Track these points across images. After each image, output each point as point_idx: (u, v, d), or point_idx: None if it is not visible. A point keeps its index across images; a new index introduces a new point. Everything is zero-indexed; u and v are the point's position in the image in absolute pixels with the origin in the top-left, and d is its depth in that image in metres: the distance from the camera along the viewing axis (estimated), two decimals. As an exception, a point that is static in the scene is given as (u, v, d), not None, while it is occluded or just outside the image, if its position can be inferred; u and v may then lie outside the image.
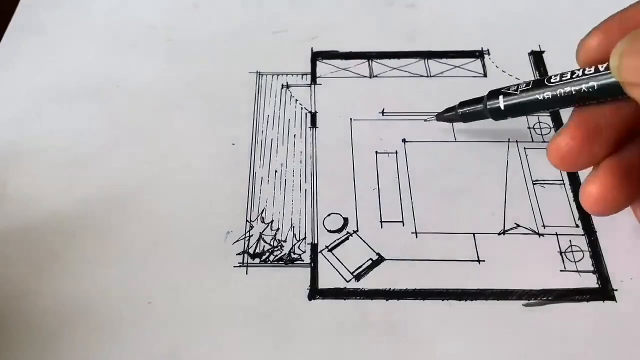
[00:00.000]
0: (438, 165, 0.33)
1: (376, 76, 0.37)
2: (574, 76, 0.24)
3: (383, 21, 0.40)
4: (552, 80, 0.25)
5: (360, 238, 0.30)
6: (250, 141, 0.34)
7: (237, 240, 0.30)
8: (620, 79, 0.21)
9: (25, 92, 0.37)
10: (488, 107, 0.29)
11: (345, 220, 0.31)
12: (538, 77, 0.28)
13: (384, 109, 0.35)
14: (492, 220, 0.30)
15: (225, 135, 0.35)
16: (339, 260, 0.30)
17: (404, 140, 0.34)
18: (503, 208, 0.31)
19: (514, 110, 0.28)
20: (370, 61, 0.38)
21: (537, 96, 0.26)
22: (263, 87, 0.37)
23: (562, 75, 0.25)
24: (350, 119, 0.35)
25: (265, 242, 0.30)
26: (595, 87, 0.23)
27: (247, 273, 0.29)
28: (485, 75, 0.37)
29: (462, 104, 0.31)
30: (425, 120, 0.33)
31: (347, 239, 0.30)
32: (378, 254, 0.30)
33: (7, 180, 0.33)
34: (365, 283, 0.29)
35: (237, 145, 0.34)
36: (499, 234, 0.30)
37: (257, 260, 0.30)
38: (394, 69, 0.37)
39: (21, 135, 0.35)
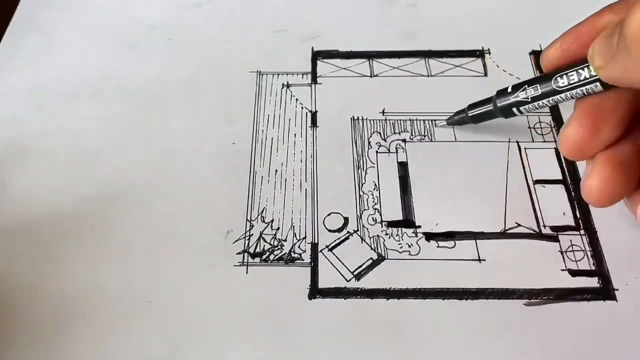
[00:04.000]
0: (438, 165, 0.33)
1: (377, 75, 0.37)
2: (575, 74, 0.26)
3: (383, 20, 0.40)
4: (559, 83, 0.26)
5: (361, 238, 0.30)
6: (250, 140, 0.34)
7: (238, 240, 0.30)
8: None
9: (26, 92, 0.37)
10: (498, 105, 0.30)
11: (346, 219, 0.31)
12: (539, 75, 0.28)
13: (384, 109, 0.35)
14: (493, 220, 0.30)
15: (225, 134, 0.34)
16: (339, 260, 0.30)
17: (404, 140, 0.34)
18: (504, 208, 0.31)
19: (525, 107, 0.29)
20: (370, 60, 0.38)
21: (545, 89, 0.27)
22: (263, 86, 0.37)
23: (566, 75, 0.26)
24: (351, 118, 0.35)
25: (265, 241, 0.30)
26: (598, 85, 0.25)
27: (247, 272, 0.29)
28: (485, 74, 0.37)
29: (471, 106, 0.32)
30: (436, 125, 0.34)
31: (347, 238, 0.30)
32: (378, 253, 0.30)
33: (7, 180, 0.33)
34: (366, 282, 0.29)
35: (238, 144, 0.34)
36: (500, 233, 0.30)
37: (257, 259, 0.30)
38: (394, 68, 0.37)
39: (21, 134, 0.35)
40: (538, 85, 0.27)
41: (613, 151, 0.25)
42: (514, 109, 0.29)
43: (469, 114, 0.32)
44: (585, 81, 0.25)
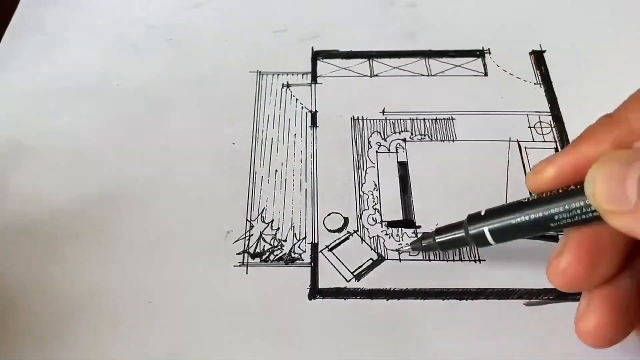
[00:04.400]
0: (438, 165, 0.33)
1: (377, 75, 0.37)
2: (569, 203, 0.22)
3: (384, 20, 0.40)
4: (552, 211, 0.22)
5: (361, 238, 0.30)
6: (250, 140, 0.34)
7: (238, 240, 0.30)
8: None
9: (26, 92, 0.37)
10: (470, 232, 0.25)
11: (346, 219, 0.31)
12: (522, 200, 0.24)
13: (384, 108, 0.35)
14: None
15: (225, 134, 0.34)
16: (339, 260, 0.30)
17: (404, 140, 0.34)
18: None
19: (502, 235, 0.25)
20: (370, 60, 0.38)
21: (528, 217, 0.23)
22: (263, 86, 0.37)
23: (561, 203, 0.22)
24: (351, 118, 0.35)
25: (265, 241, 0.30)
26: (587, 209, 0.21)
27: (247, 273, 0.29)
28: (486, 74, 0.37)
29: (439, 231, 0.27)
30: (398, 252, 0.30)
31: (347, 238, 0.30)
32: (379, 253, 0.30)
33: (7, 180, 0.33)
34: (366, 283, 0.29)
35: (238, 144, 0.34)
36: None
37: (257, 259, 0.30)
38: (394, 68, 0.37)
39: (21, 134, 0.35)
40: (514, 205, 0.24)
41: (610, 288, 0.22)
42: (490, 238, 0.25)
43: (437, 240, 0.27)
44: (584, 212, 0.21)
